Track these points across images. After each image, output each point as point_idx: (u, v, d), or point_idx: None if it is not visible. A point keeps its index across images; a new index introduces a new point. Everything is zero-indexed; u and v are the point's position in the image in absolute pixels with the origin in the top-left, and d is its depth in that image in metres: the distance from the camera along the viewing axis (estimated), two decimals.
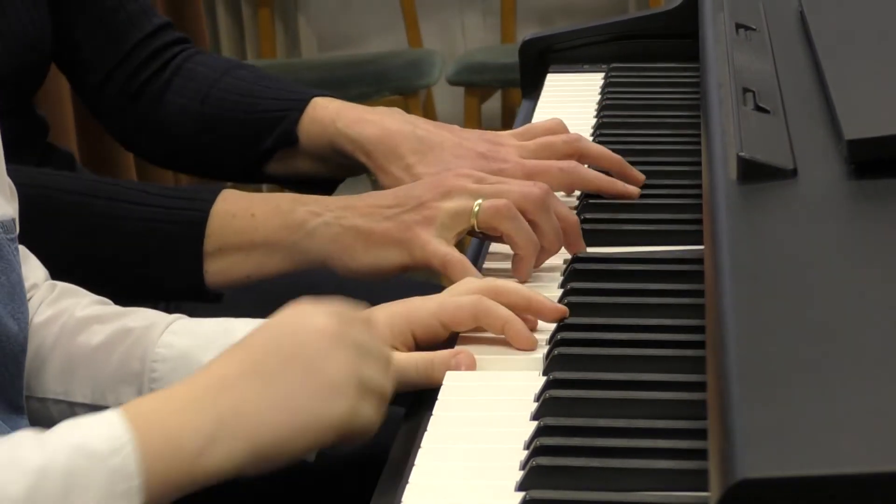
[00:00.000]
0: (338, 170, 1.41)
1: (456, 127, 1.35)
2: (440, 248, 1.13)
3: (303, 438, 0.91)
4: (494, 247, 1.19)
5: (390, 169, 1.30)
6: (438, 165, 1.27)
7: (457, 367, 0.99)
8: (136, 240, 1.22)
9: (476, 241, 1.21)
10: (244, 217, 1.20)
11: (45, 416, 1.09)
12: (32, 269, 1.10)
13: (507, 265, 1.14)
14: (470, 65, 3.29)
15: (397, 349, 1.03)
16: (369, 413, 0.92)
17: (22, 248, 1.09)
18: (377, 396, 0.92)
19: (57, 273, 1.15)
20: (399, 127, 1.32)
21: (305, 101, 1.37)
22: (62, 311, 1.10)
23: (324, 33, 3.68)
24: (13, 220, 1.04)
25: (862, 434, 0.64)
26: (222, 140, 1.41)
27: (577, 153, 1.25)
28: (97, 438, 0.88)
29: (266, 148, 1.38)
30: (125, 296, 1.16)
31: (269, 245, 1.20)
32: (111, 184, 1.28)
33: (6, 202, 1.04)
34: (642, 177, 1.25)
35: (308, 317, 0.94)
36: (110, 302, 1.12)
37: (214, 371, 0.92)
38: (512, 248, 1.13)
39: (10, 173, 1.10)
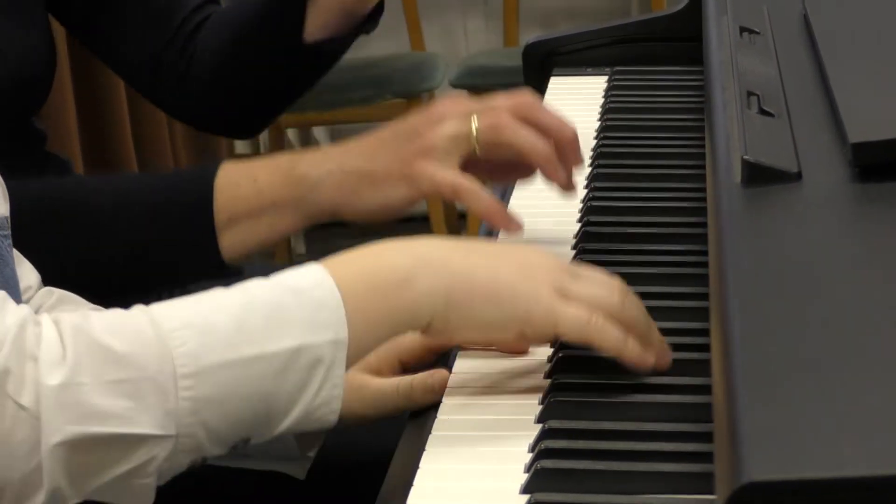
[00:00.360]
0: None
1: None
2: (447, 175, 1.13)
3: (495, 308, 0.92)
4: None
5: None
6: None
7: (432, 388, 0.99)
8: (147, 228, 1.23)
9: (485, 228, 1.21)
10: (247, 184, 1.21)
11: None
12: (26, 272, 1.10)
13: None
14: (473, 68, 3.29)
15: (383, 374, 1.04)
16: (561, 315, 0.92)
17: (15, 252, 1.10)
18: (572, 308, 0.92)
19: (69, 278, 1.15)
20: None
21: None
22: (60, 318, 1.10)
23: None
24: (6, 217, 1.04)
25: (868, 437, 0.64)
26: (262, 23, 1.40)
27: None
28: (298, 276, 0.90)
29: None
30: (143, 287, 1.16)
31: (276, 206, 1.20)
32: (111, 179, 1.29)
33: (0, 201, 1.05)
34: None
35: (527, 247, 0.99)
36: (104, 310, 1.12)
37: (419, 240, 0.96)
38: (526, 158, 1.12)
39: (10, 186, 1.11)
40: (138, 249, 1.23)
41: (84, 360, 0.83)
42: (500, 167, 1.19)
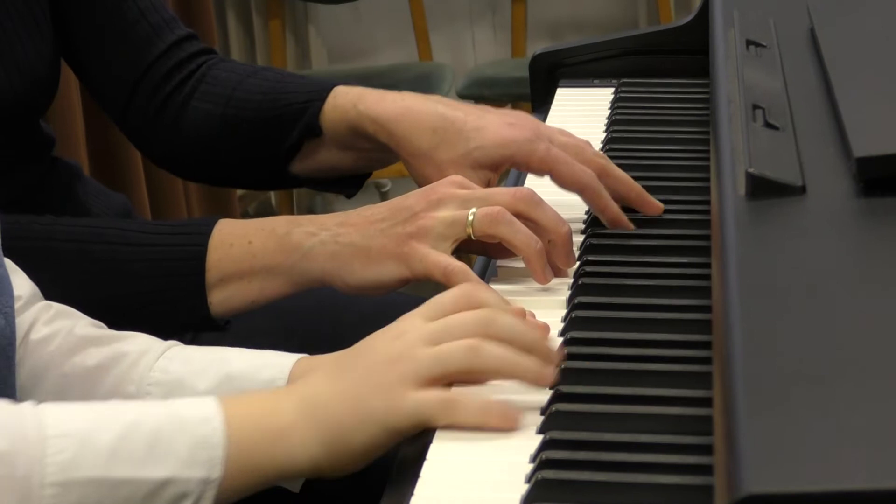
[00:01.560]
0: (363, 161, 1.41)
1: (481, 105, 1.36)
2: (440, 258, 1.13)
3: (364, 431, 0.93)
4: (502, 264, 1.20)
5: (414, 144, 1.30)
6: (455, 142, 1.27)
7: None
8: (139, 280, 1.23)
9: (483, 259, 1.21)
10: (241, 245, 1.21)
11: None
12: (18, 283, 1.10)
13: (513, 286, 1.15)
14: (480, 79, 3.29)
15: None
16: (428, 404, 0.93)
17: (9, 262, 1.10)
18: (429, 395, 0.94)
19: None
20: (420, 104, 1.32)
21: (327, 91, 1.37)
22: (58, 331, 1.10)
23: (334, 45, 3.69)
24: None
25: (868, 450, 0.64)
26: (248, 141, 1.41)
27: (602, 169, 1.24)
28: (189, 408, 0.92)
29: (291, 143, 1.38)
30: (131, 328, 1.17)
31: (268, 270, 1.20)
32: (108, 227, 1.28)
33: None
34: (660, 207, 1.23)
35: (378, 336, 0.99)
36: (104, 326, 1.13)
37: (297, 375, 1.00)
38: (515, 251, 1.13)
39: (6, 226, 1.11)
40: (130, 301, 1.24)
41: None
42: (493, 246, 1.21)
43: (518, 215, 1.13)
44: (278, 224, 1.22)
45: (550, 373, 0.96)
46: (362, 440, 0.94)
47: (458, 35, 3.65)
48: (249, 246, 1.21)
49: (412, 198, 1.17)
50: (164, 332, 1.23)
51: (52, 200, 1.34)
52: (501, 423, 0.94)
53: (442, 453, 0.91)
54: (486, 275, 1.19)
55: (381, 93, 1.36)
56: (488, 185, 1.27)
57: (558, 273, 1.14)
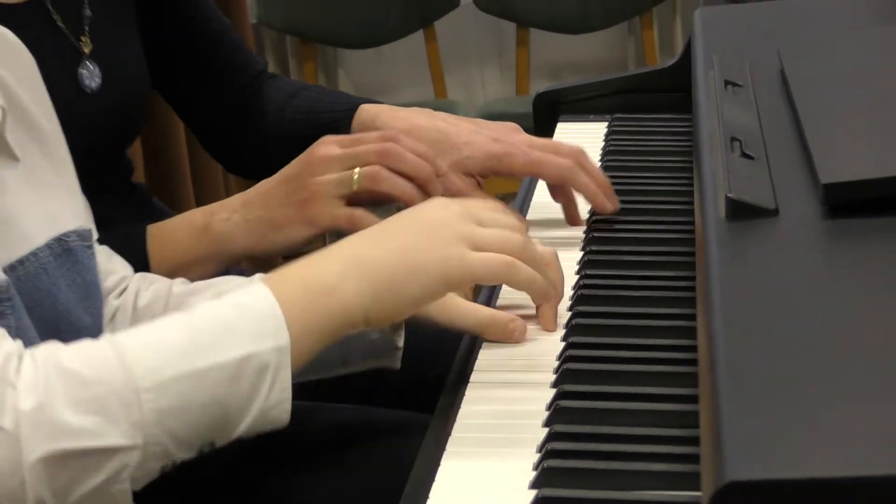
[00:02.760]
0: None
1: (479, 120, 1.39)
2: (342, 211, 1.18)
3: (415, 281, 0.92)
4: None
5: None
6: (449, 153, 1.30)
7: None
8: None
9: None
10: (172, 246, 1.25)
11: None
12: (117, 265, 1.11)
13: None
14: (489, 114, 3.29)
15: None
16: (489, 263, 0.94)
17: (105, 249, 1.11)
18: (481, 256, 0.94)
19: None
20: (423, 120, 1.36)
21: (354, 109, 1.40)
22: (158, 293, 1.12)
23: (360, 84, 3.70)
24: (89, 230, 1.05)
25: (838, 443, 0.64)
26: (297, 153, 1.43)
27: (577, 159, 1.27)
28: (242, 293, 0.90)
29: None
30: None
31: (199, 261, 1.24)
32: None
33: (82, 214, 1.05)
34: (618, 205, 1.26)
35: (422, 207, 0.99)
36: (188, 281, 1.15)
37: (343, 242, 0.96)
38: (402, 199, 1.18)
39: None
40: None
41: (54, 385, 0.82)
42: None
43: (387, 165, 1.18)
44: (196, 218, 1.25)
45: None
46: (417, 290, 0.93)
47: (469, 75, 3.65)
48: (179, 244, 1.24)
49: (296, 166, 1.22)
50: None
51: (129, 222, 1.34)
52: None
53: (461, 438, 0.91)
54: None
55: (396, 109, 1.40)
56: (479, 186, 1.31)
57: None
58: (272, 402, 0.87)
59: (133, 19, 1.39)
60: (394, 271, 0.92)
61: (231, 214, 1.23)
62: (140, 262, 1.22)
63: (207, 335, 0.86)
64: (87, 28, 1.31)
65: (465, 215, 0.96)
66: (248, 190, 1.24)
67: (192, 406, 0.84)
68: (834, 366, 0.72)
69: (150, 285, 1.12)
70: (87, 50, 1.31)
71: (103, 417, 0.82)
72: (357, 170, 1.19)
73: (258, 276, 0.92)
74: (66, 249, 0.99)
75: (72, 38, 1.30)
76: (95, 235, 1.07)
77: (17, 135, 0.98)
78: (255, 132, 1.46)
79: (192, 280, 1.19)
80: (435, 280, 0.93)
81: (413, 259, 0.93)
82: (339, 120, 1.40)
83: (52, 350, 0.85)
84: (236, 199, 1.24)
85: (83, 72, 1.30)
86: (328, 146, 1.21)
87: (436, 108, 3.74)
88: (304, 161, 1.21)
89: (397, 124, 1.36)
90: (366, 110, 1.40)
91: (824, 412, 0.67)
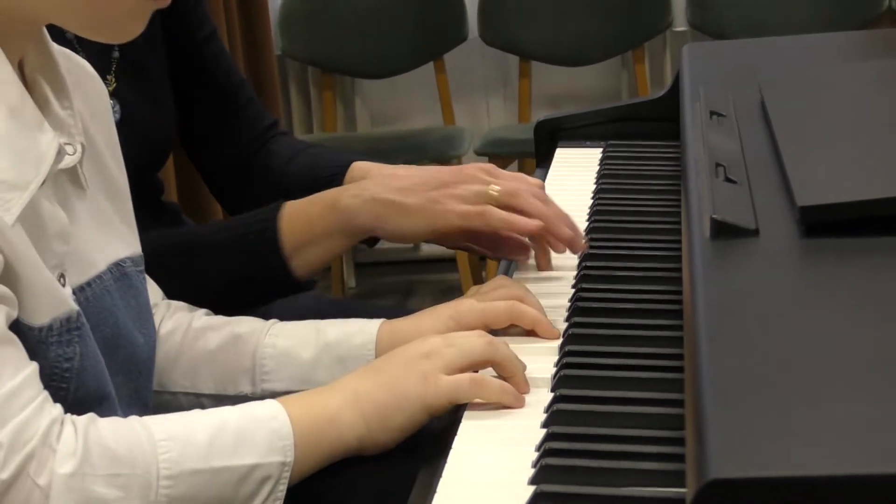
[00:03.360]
0: None
1: (450, 168, 1.32)
2: (472, 207, 1.16)
3: (407, 408, 0.95)
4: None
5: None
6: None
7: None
8: (234, 264, 1.25)
9: (504, 263, 1.22)
10: (302, 218, 1.24)
11: (175, 406, 1.12)
12: (153, 291, 1.12)
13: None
14: (493, 140, 3.30)
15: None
16: (462, 387, 0.95)
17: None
18: (452, 380, 0.95)
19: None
20: (404, 177, 1.30)
21: (346, 166, 1.40)
22: (179, 323, 1.13)
23: (375, 111, 3.70)
24: (141, 256, 1.06)
25: (814, 443, 0.64)
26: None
27: (541, 197, 1.23)
28: (259, 408, 0.93)
29: None
30: (238, 308, 1.19)
31: (328, 233, 1.23)
32: (202, 234, 1.29)
33: (136, 242, 1.06)
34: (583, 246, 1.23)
35: (408, 345, 1.00)
36: (213, 313, 1.15)
37: (345, 376, 0.99)
38: (532, 216, 1.16)
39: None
40: (232, 281, 1.25)
41: (91, 456, 0.85)
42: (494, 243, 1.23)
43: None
44: (328, 195, 1.24)
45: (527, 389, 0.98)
46: (402, 419, 0.95)
47: (475, 104, 3.65)
48: (309, 217, 1.23)
49: (444, 171, 1.20)
50: (261, 304, 1.26)
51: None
52: (514, 401, 0.96)
53: (467, 437, 0.92)
54: (510, 271, 1.21)
55: (380, 167, 1.38)
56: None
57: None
58: None
59: (163, 63, 1.40)
60: (384, 405, 0.95)
61: (363, 192, 1.22)
62: (270, 234, 1.23)
63: (227, 440, 0.90)
64: (113, 67, 1.32)
65: (439, 344, 0.98)
66: (386, 174, 1.25)
67: (199, 498, 0.88)
68: (808, 374, 0.72)
69: (174, 314, 1.13)
70: (110, 88, 1.32)
71: (125, 493, 0.85)
72: (496, 186, 1.18)
73: (273, 401, 0.95)
74: (123, 274, 1.00)
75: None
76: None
77: (89, 169, 0.99)
78: (259, 182, 1.46)
79: (319, 257, 1.22)
80: (417, 408, 0.95)
81: (398, 391, 0.95)
82: (333, 176, 1.41)
83: (91, 422, 0.87)
84: (372, 182, 1.24)
85: None
86: (475, 166, 1.21)
87: (444, 135, 3.75)
88: (452, 169, 1.21)
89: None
90: (358, 166, 1.40)
91: (799, 416, 0.67)
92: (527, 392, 0.98)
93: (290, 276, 1.24)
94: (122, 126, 1.30)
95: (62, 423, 0.85)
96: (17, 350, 0.85)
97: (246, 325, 1.12)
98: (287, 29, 3.42)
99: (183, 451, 0.88)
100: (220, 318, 1.14)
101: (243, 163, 1.47)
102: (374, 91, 3.66)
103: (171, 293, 1.19)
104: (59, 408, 0.86)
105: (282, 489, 0.91)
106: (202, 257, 1.26)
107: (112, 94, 1.32)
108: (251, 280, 1.25)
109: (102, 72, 1.30)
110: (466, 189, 1.18)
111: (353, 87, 3.66)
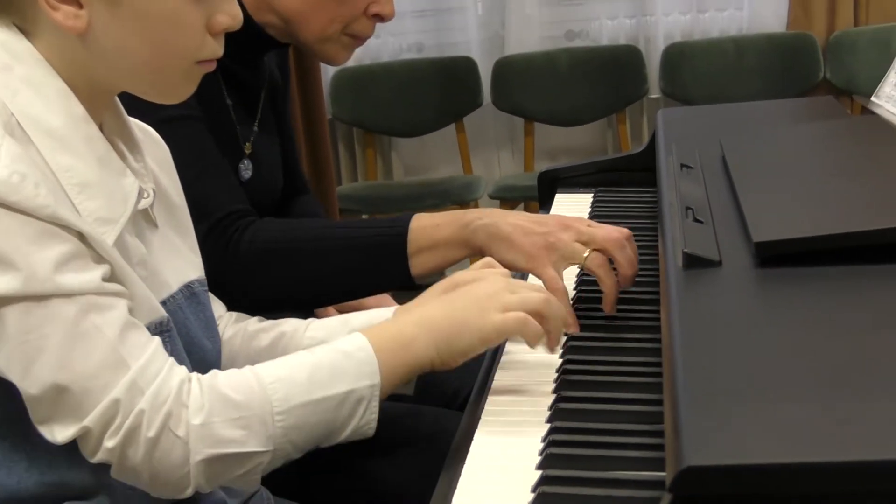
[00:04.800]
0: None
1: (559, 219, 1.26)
2: (551, 271, 1.10)
3: (467, 336, 0.93)
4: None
5: None
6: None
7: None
8: (363, 259, 1.19)
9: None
10: (430, 227, 1.18)
11: None
12: (216, 306, 1.12)
13: None
14: (504, 186, 3.30)
15: None
16: (508, 323, 0.94)
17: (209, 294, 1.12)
18: (510, 316, 0.94)
19: (304, 294, 1.18)
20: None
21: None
22: (239, 329, 1.12)
23: (408, 164, 3.71)
24: (204, 278, 1.06)
25: (768, 436, 0.64)
26: None
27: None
28: (347, 343, 0.93)
29: None
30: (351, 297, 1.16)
31: (447, 242, 1.17)
32: (337, 226, 1.25)
33: (200, 266, 1.06)
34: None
35: (476, 280, 0.98)
36: (265, 319, 1.14)
37: (420, 304, 0.98)
38: (601, 285, 1.10)
39: (276, 234, 1.16)
40: (359, 272, 1.20)
41: (215, 406, 0.85)
42: None
43: (607, 252, 1.10)
44: (458, 213, 1.19)
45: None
46: (463, 346, 0.94)
47: (489, 157, 3.65)
48: (436, 227, 1.18)
49: (552, 221, 1.14)
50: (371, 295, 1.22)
51: None
52: (546, 349, 0.96)
53: (486, 431, 0.91)
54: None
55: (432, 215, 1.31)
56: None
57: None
58: (363, 422, 0.90)
59: (276, 141, 1.41)
60: (450, 332, 0.94)
61: (484, 217, 1.16)
62: (400, 234, 1.17)
63: (323, 374, 0.89)
64: (252, 139, 1.34)
65: (505, 287, 0.97)
66: (507, 211, 1.18)
67: (308, 425, 0.88)
68: (764, 380, 0.72)
69: (236, 323, 1.13)
70: (247, 152, 1.33)
71: (247, 432, 0.85)
72: (589, 252, 1.10)
73: (358, 333, 0.93)
74: (192, 293, 1.00)
75: (241, 144, 1.32)
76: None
77: (158, 209, 0.99)
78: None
79: (436, 262, 1.17)
80: (477, 338, 0.94)
81: (463, 323, 0.94)
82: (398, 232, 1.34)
83: (213, 377, 0.88)
84: (494, 211, 1.18)
85: (241, 166, 1.32)
86: (581, 220, 1.14)
87: (464, 182, 3.73)
88: (560, 220, 1.14)
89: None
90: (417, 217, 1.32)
91: (756, 415, 0.67)
92: (556, 349, 0.97)
93: (407, 272, 1.19)
94: (249, 185, 1.32)
95: (189, 381, 0.86)
96: (141, 331, 0.86)
97: (289, 324, 1.11)
98: (336, 98, 3.44)
99: (289, 389, 0.87)
100: (269, 322, 1.13)
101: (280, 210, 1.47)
102: (407, 147, 3.67)
103: (302, 273, 1.16)
104: (183, 369, 0.87)
105: (375, 406, 0.90)
106: (338, 244, 1.20)
107: (248, 157, 1.33)
108: (374, 269, 1.19)
109: (244, 140, 1.33)
110: (566, 245, 1.11)
111: (391, 144, 3.67)
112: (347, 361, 0.90)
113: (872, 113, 1.36)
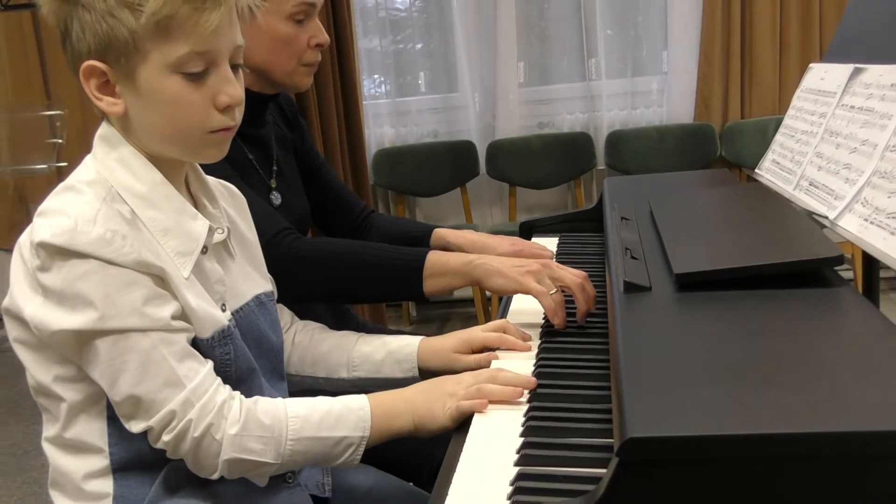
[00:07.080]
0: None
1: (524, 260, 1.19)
2: (537, 286, 1.07)
3: (432, 423, 0.90)
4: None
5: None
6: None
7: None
8: (388, 273, 1.16)
9: (506, 298, 1.14)
10: (442, 259, 1.15)
11: (297, 382, 1.09)
12: (285, 315, 1.10)
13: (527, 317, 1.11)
14: (494, 231, 3.28)
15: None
16: (463, 405, 0.90)
17: (280, 305, 1.09)
18: (467, 393, 0.90)
19: (332, 303, 1.15)
20: (493, 242, 1.25)
21: (430, 231, 1.33)
22: (306, 335, 1.10)
23: (427, 217, 3.70)
24: (272, 291, 1.02)
25: (697, 414, 0.63)
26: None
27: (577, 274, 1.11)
28: (353, 401, 0.90)
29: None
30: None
31: (454, 272, 1.14)
32: (371, 247, 1.19)
33: (268, 283, 1.02)
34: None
35: (447, 377, 0.94)
36: (327, 328, 1.11)
37: (407, 388, 0.94)
38: (552, 318, 1.06)
39: (329, 245, 1.12)
40: (383, 285, 1.16)
41: (248, 424, 0.84)
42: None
43: (568, 287, 1.08)
44: (465, 255, 1.16)
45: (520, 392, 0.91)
46: (434, 427, 0.90)
47: (484, 211, 3.65)
48: (448, 261, 1.14)
49: (530, 261, 1.11)
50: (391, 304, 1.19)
51: None
52: (509, 398, 0.90)
53: (478, 434, 0.89)
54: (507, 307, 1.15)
55: (456, 232, 1.34)
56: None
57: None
58: (350, 459, 0.89)
59: (297, 176, 1.38)
60: (423, 415, 0.90)
61: (481, 258, 1.13)
62: (418, 262, 1.12)
63: (331, 419, 0.88)
64: (273, 175, 1.31)
65: (462, 382, 0.93)
66: (492, 256, 1.14)
67: (310, 452, 0.87)
68: (686, 373, 0.71)
69: (304, 328, 1.11)
70: (273, 185, 1.30)
71: (265, 446, 0.84)
72: (556, 290, 1.07)
73: (363, 396, 0.91)
74: (260, 302, 0.99)
75: (266, 180, 1.30)
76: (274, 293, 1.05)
77: (235, 243, 0.98)
78: (371, 240, 1.41)
79: (444, 286, 1.12)
80: (442, 420, 0.90)
81: (431, 408, 0.90)
82: (424, 235, 1.35)
83: (254, 403, 0.86)
84: (489, 257, 1.14)
85: (272, 197, 1.29)
86: (552, 262, 1.12)
87: (465, 229, 3.64)
88: (541, 262, 1.11)
89: (461, 240, 1.30)
90: (437, 232, 1.34)
91: (683, 398, 0.66)
92: (518, 395, 0.91)
93: (421, 289, 1.15)
94: (281, 208, 1.30)
95: (231, 399, 0.84)
96: (196, 359, 0.84)
97: (345, 337, 1.09)
98: (377, 169, 3.45)
99: (303, 425, 0.86)
100: (330, 332, 1.10)
101: (353, 231, 1.43)
102: (426, 204, 3.67)
103: (338, 276, 1.12)
104: (227, 389, 0.85)
105: (360, 451, 0.88)
106: (371, 258, 1.16)
107: (275, 189, 1.30)
108: (395, 283, 1.16)
109: (268, 177, 1.30)
110: (542, 275, 1.09)
111: (415, 202, 3.67)
112: (350, 415, 0.88)
113: (756, 181, 1.36)
